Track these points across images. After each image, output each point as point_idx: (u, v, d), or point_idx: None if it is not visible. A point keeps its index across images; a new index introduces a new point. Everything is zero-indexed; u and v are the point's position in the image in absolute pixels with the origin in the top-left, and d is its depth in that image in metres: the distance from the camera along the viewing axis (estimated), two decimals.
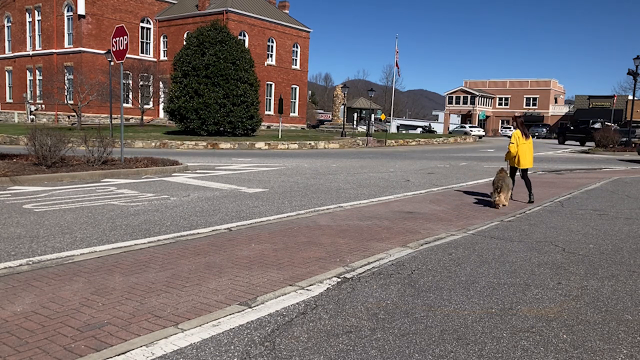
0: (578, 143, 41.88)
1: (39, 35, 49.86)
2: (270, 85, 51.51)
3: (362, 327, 3.83)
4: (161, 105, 46.41)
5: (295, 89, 54.98)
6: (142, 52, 50.49)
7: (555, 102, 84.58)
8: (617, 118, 62.13)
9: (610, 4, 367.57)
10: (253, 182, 12.64)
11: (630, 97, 53.46)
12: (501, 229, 7.60)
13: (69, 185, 11.37)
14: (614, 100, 69.86)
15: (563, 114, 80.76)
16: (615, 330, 3.90)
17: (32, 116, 49.05)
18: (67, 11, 47.26)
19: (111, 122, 29.10)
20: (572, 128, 46.03)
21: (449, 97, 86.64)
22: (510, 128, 75.76)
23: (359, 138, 36.97)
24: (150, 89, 45.51)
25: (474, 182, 14.03)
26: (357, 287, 4.75)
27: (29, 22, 50.90)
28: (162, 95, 44.88)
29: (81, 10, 45.31)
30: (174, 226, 7.32)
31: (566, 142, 43.90)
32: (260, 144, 28.49)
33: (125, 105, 41.77)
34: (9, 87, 54.03)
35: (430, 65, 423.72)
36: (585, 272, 5.43)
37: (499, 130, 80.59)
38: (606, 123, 45.50)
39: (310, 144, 30.70)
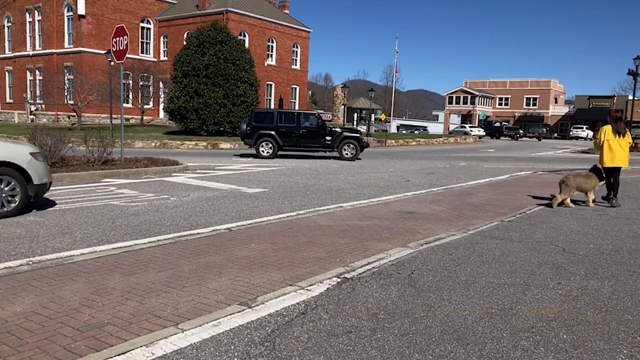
0: (489, 137, 60.10)
1: (39, 35, 49.85)
2: (270, 85, 51.51)
3: (362, 327, 3.83)
4: (161, 105, 46.41)
5: (295, 89, 54.97)
6: (142, 52, 50.48)
7: (556, 102, 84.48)
8: None
9: (610, 4, 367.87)
10: (253, 182, 12.64)
11: (630, 97, 53.52)
12: (501, 229, 7.60)
13: (69, 185, 11.37)
14: (614, 101, 69.83)
15: (563, 114, 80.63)
16: (616, 330, 3.90)
17: (32, 116, 49.04)
18: (67, 11, 47.26)
19: (111, 122, 29.12)
20: (484, 126, 65.37)
21: (449, 97, 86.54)
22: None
23: None
24: (150, 89, 45.51)
25: (475, 182, 14.03)
26: (357, 287, 4.75)
27: (29, 22, 50.89)
28: (162, 95, 44.87)
29: (81, 10, 45.31)
30: (174, 226, 7.32)
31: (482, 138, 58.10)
32: None
33: (125, 105, 41.69)
34: (9, 87, 54.03)
35: (430, 65, 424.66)
36: (585, 272, 5.43)
37: None
38: (503, 123, 64.50)
39: None
